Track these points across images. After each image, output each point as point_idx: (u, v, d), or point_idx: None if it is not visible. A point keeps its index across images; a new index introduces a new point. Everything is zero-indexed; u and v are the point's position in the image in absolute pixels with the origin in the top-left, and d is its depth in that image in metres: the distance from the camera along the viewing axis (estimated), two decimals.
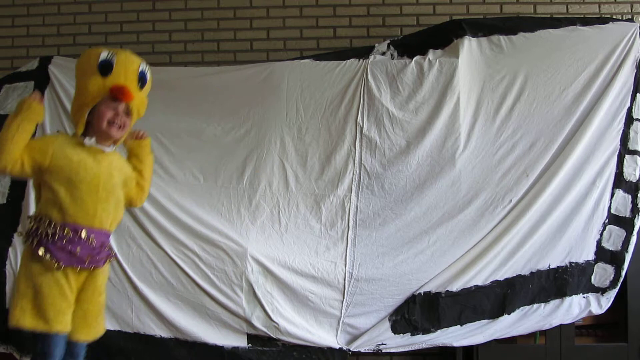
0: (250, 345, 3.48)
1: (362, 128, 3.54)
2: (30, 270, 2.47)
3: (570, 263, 3.48)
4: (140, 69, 2.56)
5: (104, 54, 2.48)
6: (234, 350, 3.48)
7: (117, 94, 2.47)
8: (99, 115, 2.50)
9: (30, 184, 3.54)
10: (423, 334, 3.47)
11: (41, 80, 3.69)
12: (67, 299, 2.50)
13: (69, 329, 2.51)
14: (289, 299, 3.45)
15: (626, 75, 3.52)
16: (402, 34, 3.97)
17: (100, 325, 2.69)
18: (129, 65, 2.53)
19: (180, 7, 4.16)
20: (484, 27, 3.60)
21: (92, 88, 2.47)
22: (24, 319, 2.43)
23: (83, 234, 2.50)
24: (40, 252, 2.45)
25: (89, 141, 2.51)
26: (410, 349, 3.54)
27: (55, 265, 2.46)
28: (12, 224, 3.56)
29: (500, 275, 3.45)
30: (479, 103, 3.54)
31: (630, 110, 3.53)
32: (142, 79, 2.58)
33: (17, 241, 3.54)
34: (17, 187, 3.59)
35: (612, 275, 3.51)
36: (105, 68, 2.47)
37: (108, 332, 3.45)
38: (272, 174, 3.56)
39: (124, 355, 3.50)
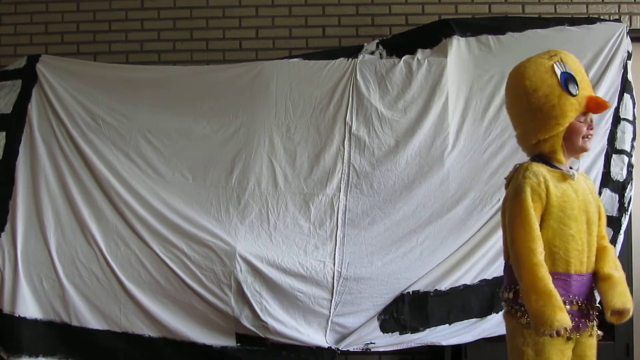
0: (239, 344, 3.48)
1: (351, 127, 3.54)
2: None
3: None
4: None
5: (558, 67, 2.30)
6: (223, 349, 3.47)
7: (595, 109, 2.29)
8: (574, 132, 2.30)
9: (20, 185, 3.55)
10: (412, 333, 3.47)
11: (29, 79, 3.68)
12: None
13: None
14: (277, 299, 3.45)
15: (613, 75, 3.54)
16: (391, 34, 3.97)
17: None
18: (579, 67, 2.34)
19: (169, 6, 4.14)
20: (473, 27, 3.62)
21: (567, 109, 2.27)
22: None
23: (573, 284, 2.29)
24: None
25: (573, 172, 2.33)
26: (399, 347, 3.55)
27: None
28: None
29: (489, 274, 3.46)
30: (467, 102, 3.55)
31: (617, 110, 3.55)
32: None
33: (4, 240, 3.52)
34: (5, 187, 3.57)
35: None
36: (570, 83, 2.28)
37: (96, 331, 3.49)
38: (261, 173, 3.55)
39: (112, 355, 3.49)
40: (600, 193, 3.52)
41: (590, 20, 3.66)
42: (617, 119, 3.55)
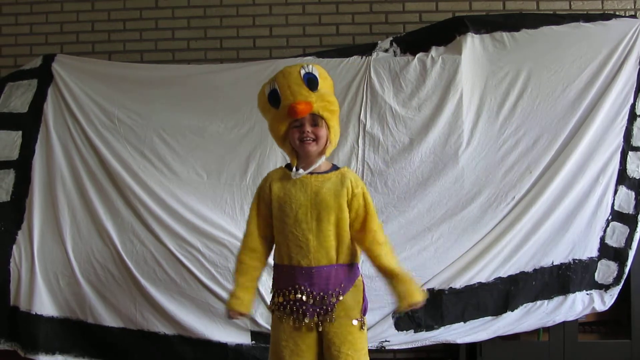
0: (253, 342, 3.49)
1: (365, 125, 3.54)
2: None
3: (573, 260, 3.48)
4: (302, 73, 2.46)
5: (267, 88, 2.50)
6: (238, 347, 3.48)
7: (292, 115, 2.43)
8: (291, 138, 2.50)
9: (36, 184, 3.58)
10: (426, 330, 3.47)
11: (44, 78, 3.70)
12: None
13: None
14: None
15: (629, 72, 3.51)
16: (404, 31, 3.96)
17: None
18: (289, 80, 2.46)
19: (183, 5, 4.16)
20: (487, 24, 3.60)
21: (275, 123, 2.51)
22: None
23: (297, 275, 2.48)
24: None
25: (296, 174, 2.50)
26: (413, 345, 3.55)
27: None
28: (16, 222, 3.57)
29: (504, 272, 3.45)
30: (481, 100, 3.53)
31: (633, 106, 3.52)
32: (310, 81, 2.46)
33: (21, 238, 3.55)
34: (21, 185, 3.59)
35: (616, 272, 3.51)
36: (274, 99, 2.47)
37: (112, 329, 3.50)
38: None
39: (127, 352, 3.52)
40: (616, 191, 3.51)
41: (605, 17, 3.63)
42: (633, 116, 3.52)
